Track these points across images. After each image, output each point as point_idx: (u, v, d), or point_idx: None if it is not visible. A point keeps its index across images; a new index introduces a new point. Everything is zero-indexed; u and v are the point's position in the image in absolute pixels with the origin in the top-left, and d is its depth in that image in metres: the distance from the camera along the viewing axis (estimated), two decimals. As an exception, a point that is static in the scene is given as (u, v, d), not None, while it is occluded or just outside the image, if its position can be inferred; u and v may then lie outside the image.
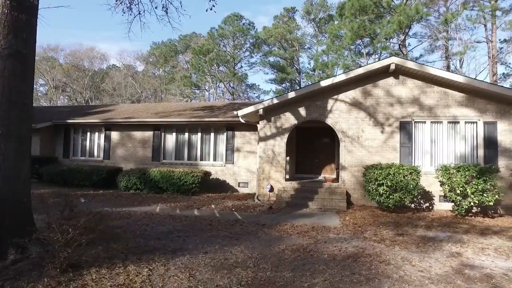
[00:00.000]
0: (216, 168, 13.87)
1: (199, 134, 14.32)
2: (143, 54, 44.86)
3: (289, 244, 6.12)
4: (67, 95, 41.39)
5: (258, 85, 44.42)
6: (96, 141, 15.62)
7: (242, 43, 38.75)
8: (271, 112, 11.48)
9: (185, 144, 14.49)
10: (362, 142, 10.77)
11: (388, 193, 8.87)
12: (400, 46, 25.73)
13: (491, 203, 8.46)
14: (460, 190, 8.56)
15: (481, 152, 10.09)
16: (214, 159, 14.15)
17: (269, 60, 38.95)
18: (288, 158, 13.20)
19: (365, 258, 5.25)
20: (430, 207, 10.16)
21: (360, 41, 28.35)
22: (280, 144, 11.36)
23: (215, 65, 36.72)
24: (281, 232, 7.10)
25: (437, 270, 4.87)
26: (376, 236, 6.85)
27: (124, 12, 9.80)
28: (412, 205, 10.21)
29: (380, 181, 8.85)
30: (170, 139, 14.69)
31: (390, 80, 10.75)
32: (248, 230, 7.22)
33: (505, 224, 8.32)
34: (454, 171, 8.73)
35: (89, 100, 38.62)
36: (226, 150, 13.89)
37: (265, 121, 11.53)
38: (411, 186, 8.70)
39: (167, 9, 9.73)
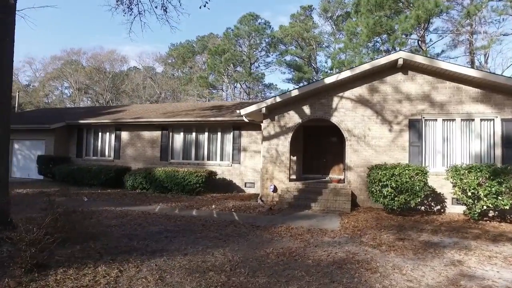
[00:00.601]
0: (223, 168, 13.75)
1: (206, 133, 14.26)
2: (162, 56, 45.71)
3: (277, 247, 5.85)
4: (89, 97, 42.80)
5: (276, 85, 43.92)
6: (107, 141, 15.90)
7: (258, 42, 38.55)
8: (275, 111, 11.19)
9: (193, 144, 14.47)
10: (369, 141, 10.28)
11: (393, 194, 8.38)
12: (419, 42, 24.61)
13: (507, 207, 7.79)
14: (471, 193, 7.94)
15: (498, 151, 9.37)
16: (221, 159, 14.04)
17: (285, 59, 38.54)
18: (295, 158, 12.90)
19: (352, 265, 4.90)
20: (442, 210, 9.55)
21: (378, 38, 27.42)
22: (284, 144, 11.05)
23: (231, 65, 36.75)
24: (273, 235, 6.83)
25: (429, 280, 4.45)
26: (374, 241, 6.45)
27: (125, 13, 9.89)
28: (422, 208, 9.65)
29: (384, 182, 8.38)
30: (178, 139, 14.71)
31: (399, 76, 10.21)
32: (240, 232, 7.00)
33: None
34: (465, 171, 8.12)
35: (110, 102, 39.77)
36: (233, 150, 13.74)
37: (268, 120, 11.26)
38: (417, 187, 8.17)
39: (166, 8, 9.74)
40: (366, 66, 10.08)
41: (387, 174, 8.36)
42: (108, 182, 13.26)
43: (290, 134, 11.01)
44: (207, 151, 14.22)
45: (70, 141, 16.31)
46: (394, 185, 8.26)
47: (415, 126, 9.98)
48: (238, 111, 11.30)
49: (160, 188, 12.39)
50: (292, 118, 11.05)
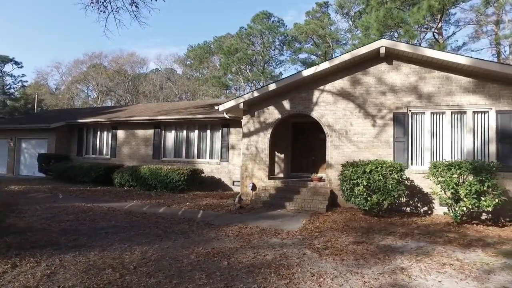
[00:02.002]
0: (212, 166, 13.51)
1: (196, 131, 14.10)
2: (180, 57, 46.49)
3: (209, 247, 5.47)
4: (110, 99, 44.34)
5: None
6: (104, 140, 16.20)
7: (271, 41, 38.00)
8: (254, 106, 10.79)
9: (183, 142, 14.36)
10: (351, 137, 9.60)
11: (365, 194, 7.70)
12: (436, 34, 23.02)
13: (490, 209, 6.90)
14: (451, 192, 7.12)
15: (493, 147, 8.38)
16: (210, 157, 13.81)
17: (298, 57, 37.77)
18: (282, 155, 12.43)
19: (267, 269, 4.42)
20: (429, 212, 8.69)
21: (395, 32, 26.05)
22: (263, 140, 10.62)
23: (245, 64, 36.50)
24: (220, 234, 6.45)
25: (345, 288, 3.90)
26: (324, 244, 5.88)
27: (101, 11, 9.94)
28: (407, 209, 8.88)
29: (354, 180, 7.72)
30: (170, 137, 14.67)
31: (383, 66, 9.45)
32: (187, 230, 6.70)
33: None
34: (445, 168, 7.29)
35: (130, 103, 40.97)
36: (221, 148, 13.46)
37: (248, 116, 10.88)
38: (390, 186, 7.44)
39: (137, 4, 9.68)
40: (346, 57, 9.42)
41: (358, 171, 7.70)
42: (99, 179, 13.42)
43: (270, 130, 10.56)
44: (197, 149, 14.05)
45: (72, 140, 16.79)
46: (366, 184, 7.59)
47: (400, 120, 9.18)
48: (216, 107, 11.00)
49: (146, 186, 12.37)
50: (272, 114, 10.59)
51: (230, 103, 10.67)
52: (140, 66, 45.55)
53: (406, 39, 26.41)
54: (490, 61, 9.02)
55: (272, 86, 10.17)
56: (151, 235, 6.17)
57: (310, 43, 38.82)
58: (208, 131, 13.86)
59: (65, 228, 6.44)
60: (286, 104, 10.42)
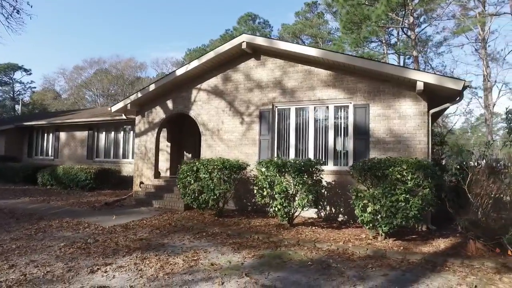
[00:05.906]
0: (133, 166, 13.69)
1: (122, 133, 14.39)
2: (178, 61, 47.43)
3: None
4: (111, 102, 45.97)
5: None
6: (50, 142, 16.89)
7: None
8: (144, 107, 10.86)
9: (112, 142, 14.69)
10: (222, 135, 9.41)
11: (197, 193, 7.50)
12: (405, 30, 21.82)
13: (300, 209, 6.50)
14: (266, 192, 6.78)
15: (351, 144, 7.89)
16: (133, 157, 14.00)
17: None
18: (190, 155, 12.38)
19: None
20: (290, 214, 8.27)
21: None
22: (151, 140, 10.65)
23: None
24: (30, 225, 6.86)
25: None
26: (105, 239, 5.97)
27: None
28: (272, 210, 8.49)
29: (184, 179, 7.56)
30: (102, 139, 15.05)
31: (251, 62, 9.19)
32: (9, 223, 7.08)
33: (331, 237, 6.17)
34: (269, 167, 6.94)
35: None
36: (141, 148, 13.60)
37: (140, 116, 10.96)
38: (212, 185, 7.19)
39: (18, 11, 10.14)
40: (211, 54, 9.25)
41: (186, 169, 7.53)
42: (28, 179, 14.01)
43: (157, 130, 10.58)
44: (122, 149, 14.33)
45: (24, 142, 17.67)
46: (193, 182, 7.40)
47: (265, 117, 8.87)
48: (109, 109, 11.18)
49: (61, 184, 12.77)
50: (158, 114, 10.60)
51: (119, 105, 10.80)
52: (139, 71, 47.13)
53: (371, 36, 25.14)
54: (337, 51, 8.54)
55: (152, 87, 10.18)
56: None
57: (298, 43, 38.25)
58: (131, 132, 14.09)
59: None
60: (170, 104, 10.40)
